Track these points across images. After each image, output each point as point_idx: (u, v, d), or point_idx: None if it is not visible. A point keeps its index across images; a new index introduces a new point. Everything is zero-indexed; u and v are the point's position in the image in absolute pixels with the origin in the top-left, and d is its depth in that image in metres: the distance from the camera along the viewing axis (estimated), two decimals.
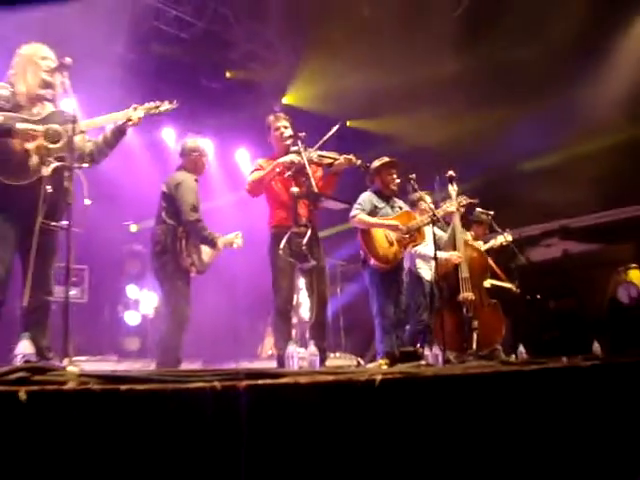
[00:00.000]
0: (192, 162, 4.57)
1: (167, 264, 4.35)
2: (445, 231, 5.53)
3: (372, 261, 4.95)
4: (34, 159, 3.29)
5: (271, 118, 4.61)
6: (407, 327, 5.54)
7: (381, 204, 5.13)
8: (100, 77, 6.12)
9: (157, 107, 3.83)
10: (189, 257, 4.33)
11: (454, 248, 5.26)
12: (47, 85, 3.46)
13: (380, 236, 4.98)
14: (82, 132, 3.52)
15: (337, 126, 4.48)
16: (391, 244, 4.96)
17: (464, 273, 5.16)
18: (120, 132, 3.71)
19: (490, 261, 5.97)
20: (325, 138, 4.45)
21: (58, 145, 3.35)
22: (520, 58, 7.16)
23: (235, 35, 7.64)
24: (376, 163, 5.11)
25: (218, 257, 4.64)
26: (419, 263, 5.62)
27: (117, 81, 6.73)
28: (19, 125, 3.27)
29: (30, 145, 3.29)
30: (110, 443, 1.56)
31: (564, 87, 7.39)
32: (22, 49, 3.50)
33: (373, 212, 5.06)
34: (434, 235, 4.73)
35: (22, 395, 1.44)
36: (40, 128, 3.33)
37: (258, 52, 8.01)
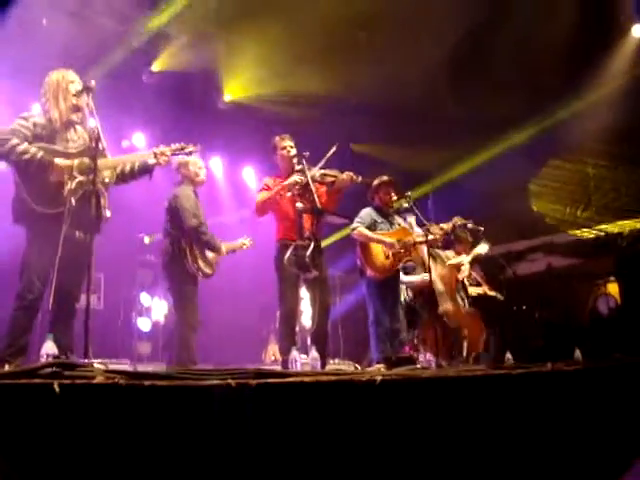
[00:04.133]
0: (184, 176, 4.59)
1: (175, 271, 4.41)
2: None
3: (369, 272, 4.98)
4: (66, 189, 3.31)
5: (277, 139, 4.61)
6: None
7: (380, 219, 5.15)
8: (120, 98, 6.23)
9: (182, 148, 3.78)
10: (195, 263, 4.38)
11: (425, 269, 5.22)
12: (76, 109, 3.47)
13: (377, 249, 5.00)
14: (114, 168, 3.58)
15: (335, 146, 4.53)
16: (387, 257, 4.98)
17: (439, 288, 5.24)
18: (146, 171, 3.71)
19: (472, 272, 6.00)
20: (326, 158, 4.48)
21: (87, 178, 3.34)
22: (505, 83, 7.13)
23: None
24: (375, 182, 5.15)
25: (222, 261, 4.67)
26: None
27: (134, 102, 6.85)
28: (58, 161, 3.30)
29: (65, 177, 3.32)
30: (134, 432, 1.61)
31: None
32: (51, 76, 3.48)
33: (372, 226, 5.08)
34: (428, 253, 4.86)
35: (56, 387, 1.49)
36: (75, 163, 3.36)
37: None
